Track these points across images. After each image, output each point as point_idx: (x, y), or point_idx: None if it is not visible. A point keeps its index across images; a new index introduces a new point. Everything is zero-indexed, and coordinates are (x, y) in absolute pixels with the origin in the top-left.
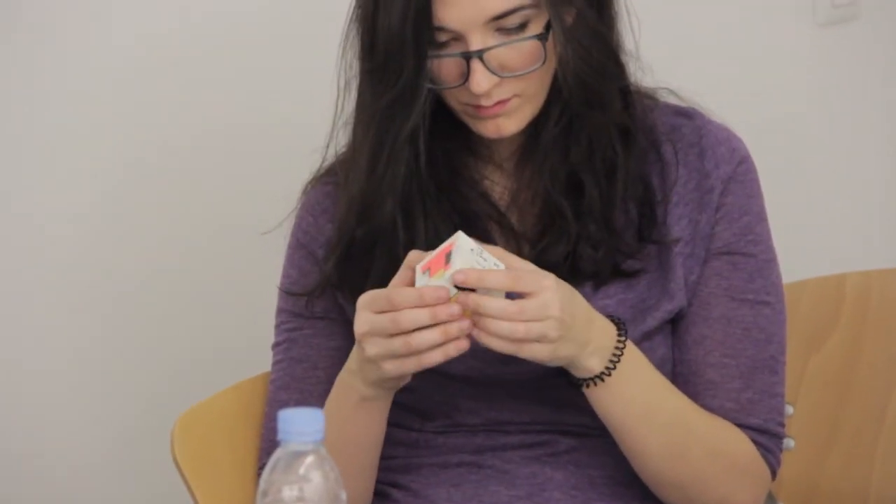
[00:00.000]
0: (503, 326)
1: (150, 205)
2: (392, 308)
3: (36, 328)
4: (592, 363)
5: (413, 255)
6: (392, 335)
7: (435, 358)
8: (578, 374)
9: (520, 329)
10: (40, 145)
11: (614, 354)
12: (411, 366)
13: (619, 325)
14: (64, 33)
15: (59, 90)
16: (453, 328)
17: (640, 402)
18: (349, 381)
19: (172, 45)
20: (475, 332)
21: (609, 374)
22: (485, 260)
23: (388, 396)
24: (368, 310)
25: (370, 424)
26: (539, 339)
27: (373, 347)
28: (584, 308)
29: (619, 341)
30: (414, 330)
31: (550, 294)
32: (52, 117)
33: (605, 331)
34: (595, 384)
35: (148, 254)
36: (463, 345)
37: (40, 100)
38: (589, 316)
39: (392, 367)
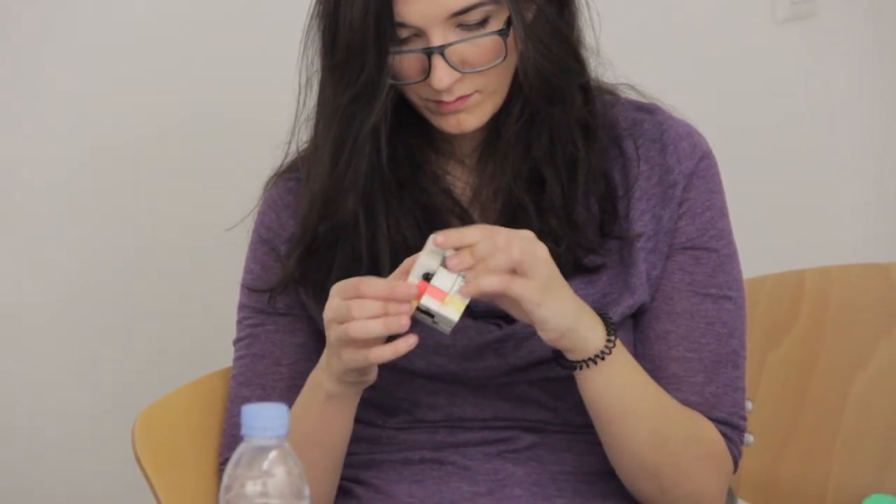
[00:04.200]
0: (500, 258)
1: (109, 200)
2: (358, 296)
3: None
4: (595, 337)
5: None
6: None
7: (385, 353)
8: (576, 355)
9: (514, 252)
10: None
11: (608, 339)
12: (361, 358)
13: (604, 315)
14: (13, 32)
15: (11, 86)
16: (393, 322)
17: (630, 388)
18: (318, 377)
19: (132, 41)
20: (468, 285)
21: (609, 353)
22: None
23: (354, 395)
24: (338, 296)
25: (336, 423)
26: (527, 273)
27: (332, 333)
28: (572, 292)
29: (608, 329)
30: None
31: (533, 238)
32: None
33: (595, 316)
34: (595, 363)
35: (107, 250)
36: (412, 340)
37: None
38: (577, 299)
39: (347, 356)
